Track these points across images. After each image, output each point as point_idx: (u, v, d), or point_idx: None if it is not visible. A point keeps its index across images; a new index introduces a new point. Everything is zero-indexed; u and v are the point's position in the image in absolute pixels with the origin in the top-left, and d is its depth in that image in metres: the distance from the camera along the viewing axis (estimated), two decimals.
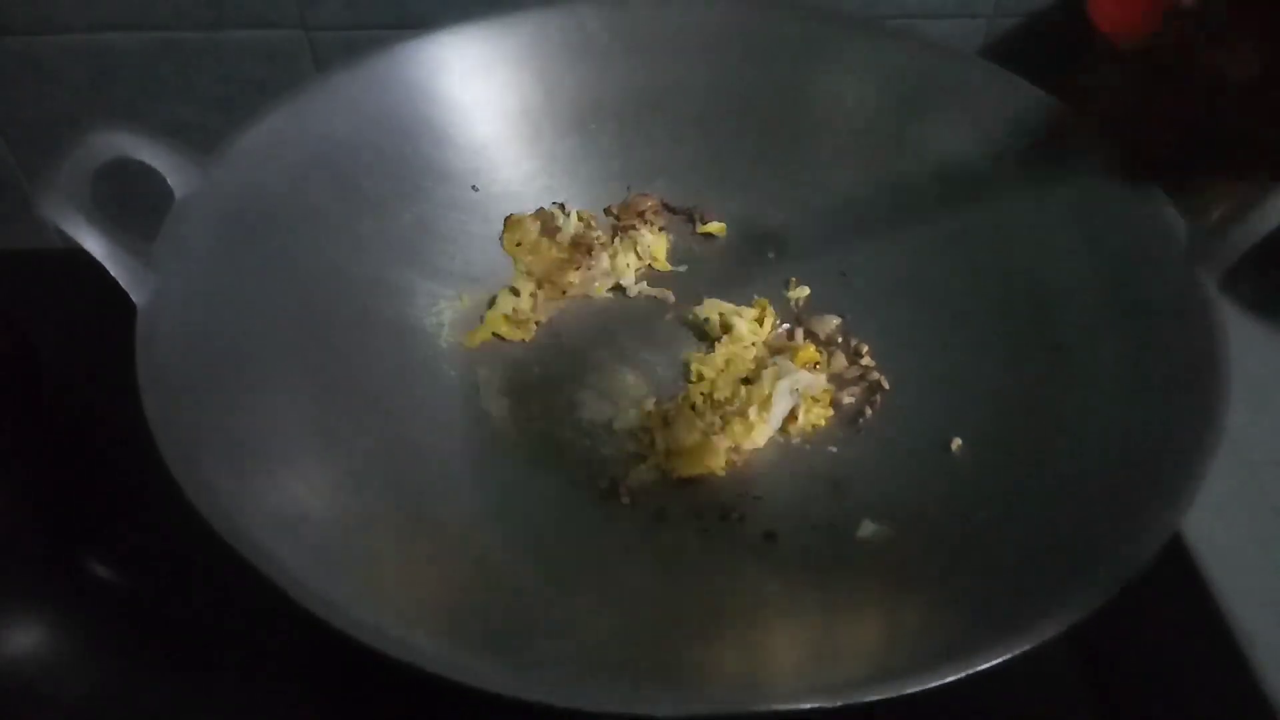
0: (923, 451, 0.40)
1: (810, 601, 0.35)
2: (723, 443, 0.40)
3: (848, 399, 0.43)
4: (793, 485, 0.40)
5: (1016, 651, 0.26)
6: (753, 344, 0.44)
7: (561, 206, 0.48)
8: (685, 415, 0.41)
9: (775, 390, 0.41)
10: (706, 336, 0.45)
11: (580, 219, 0.48)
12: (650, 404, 0.42)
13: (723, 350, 0.44)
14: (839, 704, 0.25)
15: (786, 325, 0.46)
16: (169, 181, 0.37)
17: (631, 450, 0.41)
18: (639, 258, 0.48)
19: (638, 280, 0.48)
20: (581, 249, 0.46)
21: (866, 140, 0.47)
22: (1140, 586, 0.28)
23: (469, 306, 0.46)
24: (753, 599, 0.35)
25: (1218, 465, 0.30)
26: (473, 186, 0.47)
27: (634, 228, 0.48)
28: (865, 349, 0.44)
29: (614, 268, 0.47)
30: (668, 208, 0.50)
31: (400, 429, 0.40)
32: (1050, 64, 0.46)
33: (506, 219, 0.47)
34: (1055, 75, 0.44)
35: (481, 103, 0.47)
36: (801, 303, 0.47)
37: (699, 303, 0.46)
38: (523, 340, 0.45)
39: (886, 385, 0.43)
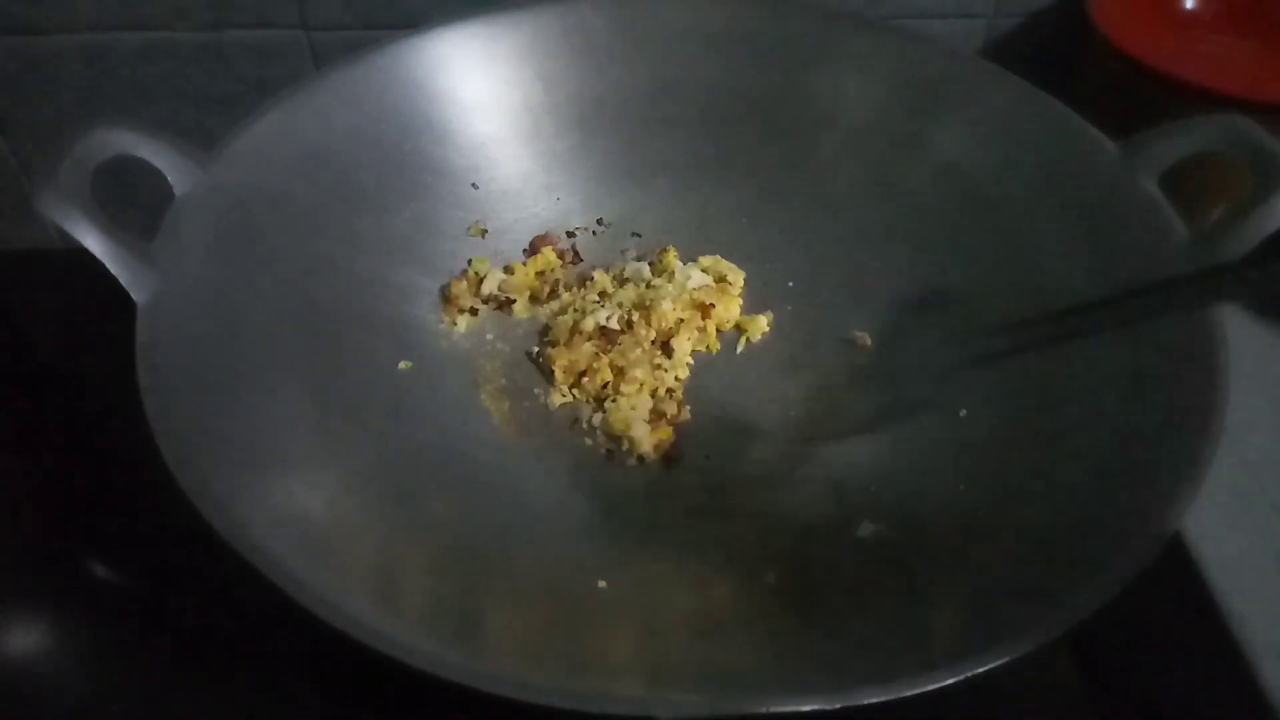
0: (922, 452, 0.40)
1: (808, 603, 0.35)
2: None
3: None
4: (792, 485, 0.40)
5: (1016, 653, 0.26)
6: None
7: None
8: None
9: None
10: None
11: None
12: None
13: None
14: (838, 705, 0.25)
15: None
16: (169, 179, 0.37)
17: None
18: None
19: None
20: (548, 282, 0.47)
21: (866, 140, 0.47)
22: (1140, 586, 0.28)
23: None
24: (750, 600, 0.35)
25: (1218, 465, 0.30)
26: (472, 184, 0.47)
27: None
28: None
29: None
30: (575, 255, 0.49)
31: (400, 427, 0.40)
32: (1050, 64, 0.46)
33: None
34: (1055, 75, 0.44)
35: (481, 100, 0.47)
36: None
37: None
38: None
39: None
